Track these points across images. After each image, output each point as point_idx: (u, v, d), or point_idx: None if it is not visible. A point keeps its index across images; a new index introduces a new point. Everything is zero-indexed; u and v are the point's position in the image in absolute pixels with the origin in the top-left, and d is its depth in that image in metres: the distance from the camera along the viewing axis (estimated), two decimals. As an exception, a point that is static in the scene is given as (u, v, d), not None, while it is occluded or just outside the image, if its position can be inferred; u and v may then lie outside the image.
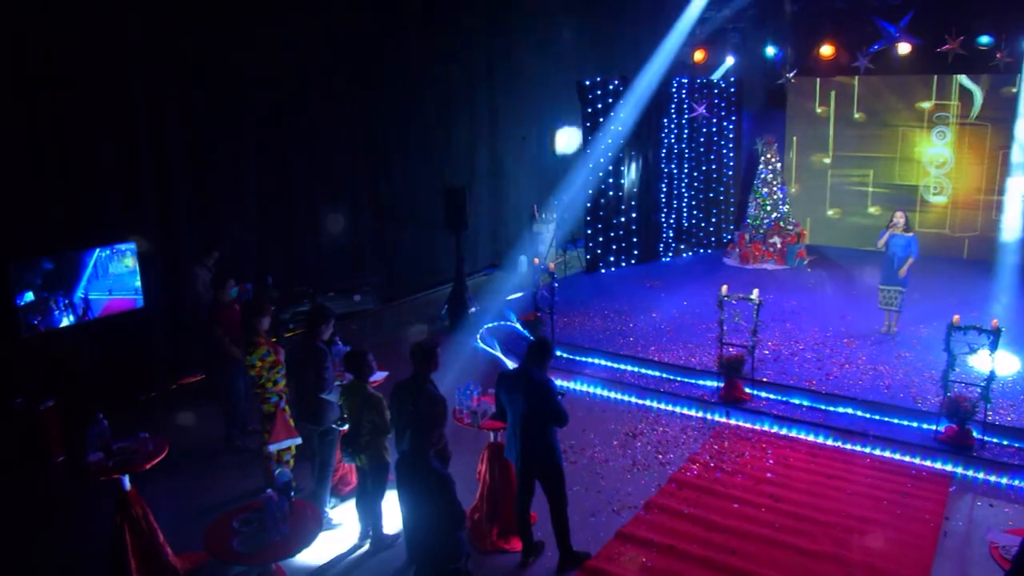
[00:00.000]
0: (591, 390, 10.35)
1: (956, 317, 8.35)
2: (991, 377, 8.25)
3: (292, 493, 5.84)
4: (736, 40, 15.96)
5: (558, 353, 11.04)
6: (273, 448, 7.27)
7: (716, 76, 16.08)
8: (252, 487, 7.77)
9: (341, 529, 7.24)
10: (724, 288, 9.51)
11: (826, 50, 14.86)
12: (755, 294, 9.33)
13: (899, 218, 10.86)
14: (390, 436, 6.39)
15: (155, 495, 6.89)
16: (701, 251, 16.36)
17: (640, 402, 9.96)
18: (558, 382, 10.39)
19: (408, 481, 5.23)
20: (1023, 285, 13.25)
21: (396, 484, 5.72)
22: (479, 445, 7.39)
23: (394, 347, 10.47)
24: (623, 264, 15.38)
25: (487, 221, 15.35)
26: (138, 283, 9.37)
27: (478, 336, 12.15)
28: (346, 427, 6.64)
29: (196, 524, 6.65)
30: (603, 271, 15.16)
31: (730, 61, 16.05)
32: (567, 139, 16.14)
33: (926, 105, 15.24)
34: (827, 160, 16.41)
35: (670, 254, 16.00)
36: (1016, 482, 7.99)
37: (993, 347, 8.15)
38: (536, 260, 11.27)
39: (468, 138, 14.83)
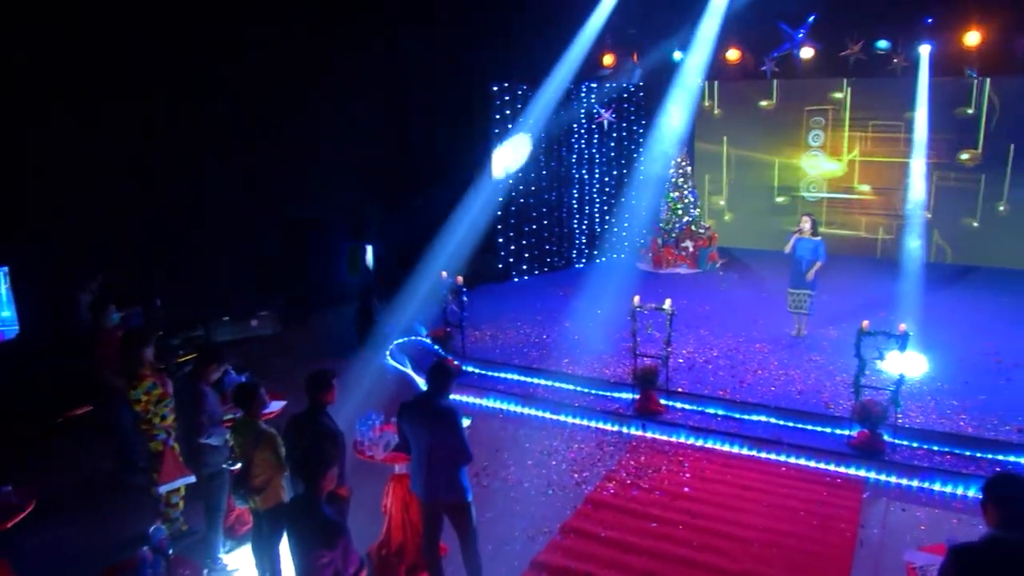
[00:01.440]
0: (504, 407, 10.04)
1: (865, 323, 8.36)
2: (900, 381, 8.29)
3: (170, 552, 5.33)
4: (644, 45, 15.91)
5: (469, 369, 10.72)
6: (163, 490, 6.72)
7: (627, 81, 15.98)
8: (142, 531, 7.16)
9: None
10: (636, 299, 9.34)
11: (732, 55, 14.94)
12: (667, 304, 9.18)
13: (805, 222, 10.91)
14: (287, 474, 5.94)
15: (28, 547, 6.27)
16: (615, 256, 16.25)
17: (555, 417, 9.71)
18: (470, 400, 10.16)
19: (295, 529, 4.79)
20: (931, 284, 13.54)
21: (286, 529, 5.27)
22: (385, 475, 6.98)
23: (299, 371, 9.94)
24: (536, 272, 15.15)
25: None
26: (7, 313, 8.61)
27: (387, 353, 11.70)
28: (237, 467, 6.15)
29: (72, 580, 6.07)
30: (516, 280, 14.89)
31: (637, 64, 16.01)
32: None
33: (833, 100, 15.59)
34: (734, 160, 16.56)
35: (583, 260, 15.85)
36: (927, 484, 8.03)
37: (902, 351, 8.18)
38: (443, 273, 10.89)
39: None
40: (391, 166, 14.34)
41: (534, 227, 14.96)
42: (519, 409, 9.94)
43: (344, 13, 12.55)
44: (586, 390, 10.01)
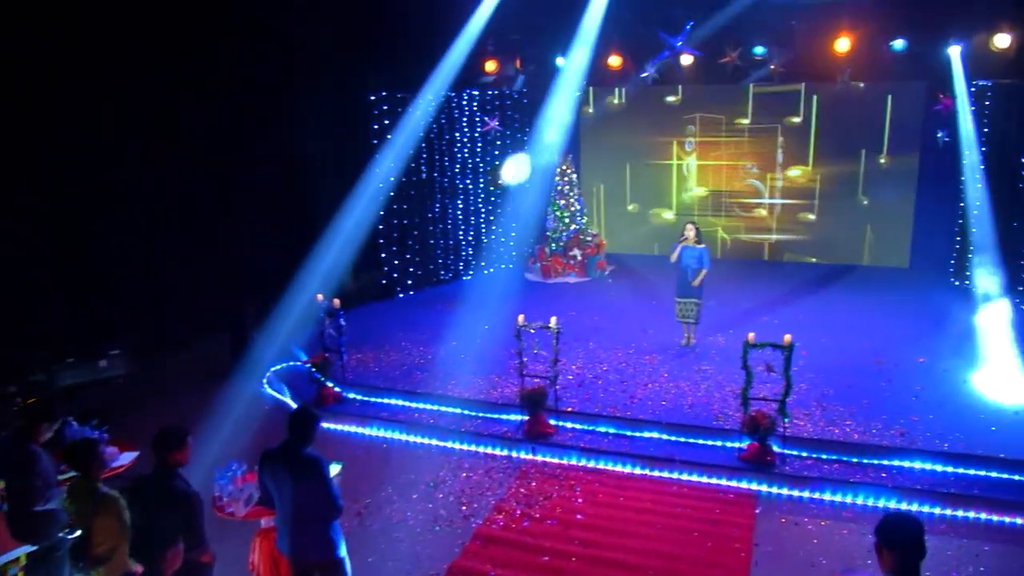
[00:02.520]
0: (389, 435, 9.50)
1: (751, 335, 8.25)
2: (787, 392, 8.22)
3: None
4: (527, 51, 15.64)
5: (351, 396, 10.15)
6: (-2, 562, 5.91)
7: (509, 88, 15.68)
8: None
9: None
10: (520, 317, 8.97)
11: (614, 60, 14.85)
12: (553, 322, 8.85)
13: (689, 230, 10.82)
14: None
15: None
16: (503, 267, 15.90)
17: (442, 444, 9.24)
18: (352, 429, 9.59)
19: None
20: (811, 285, 13.78)
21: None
22: (251, 529, 6.37)
23: (158, 412, 9.17)
24: (423, 286, 14.63)
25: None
26: None
27: (264, 381, 10.97)
28: (76, 535, 5.42)
29: None
30: (402, 295, 14.33)
31: (520, 71, 15.75)
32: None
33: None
34: (621, 166, 16.52)
35: (471, 272, 15.43)
36: (817, 494, 7.99)
37: (787, 362, 8.11)
38: (319, 296, 10.25)
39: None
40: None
41: (419, 240, 14.44)
42: (404, 437, 9.43)
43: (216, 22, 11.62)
44: (473, 413, 9.59)
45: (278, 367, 11.16)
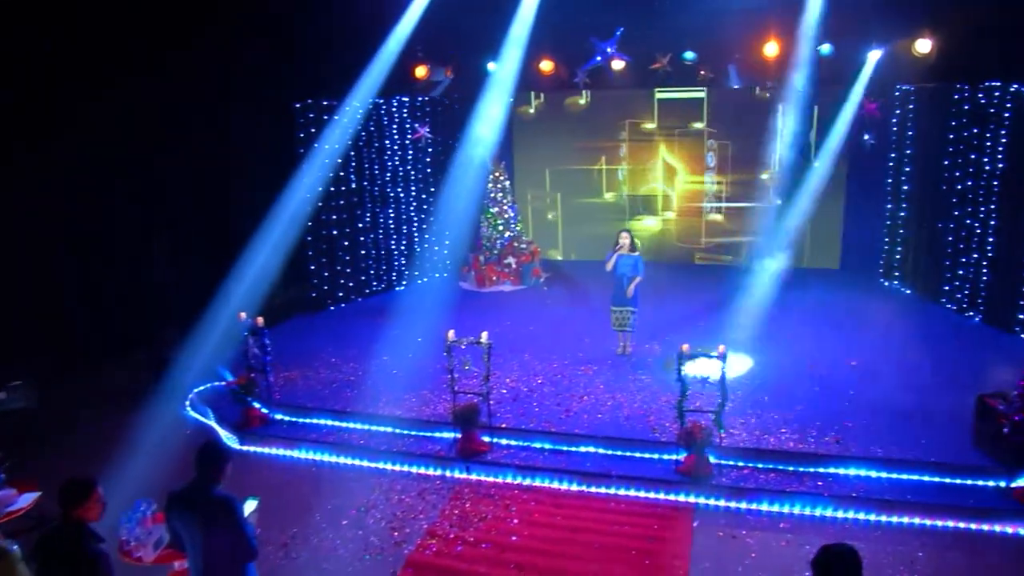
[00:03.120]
0: (318, 457, 9.14)
1: (685, 346, 8.14)
2: (723, 402, 8.14)
3: None
4: (458, 56, 15.37)
5: (278, 418, 9.76)
6: None
7: (438, 93, 15.38)
8: None
9: None
10: (451, 333, 8.70)
11: (545, 66, 14.69)
12: (484, 337, 8.61)
13: (624, 238, 10.70)
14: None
15: None
16: (437, 276, 15.59)
17: (374, 466, 8.92)
18: (279, 452, 9.20)
19: None
20: (744, 289, 13.79)
21: None
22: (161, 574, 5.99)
23: (63, 448, 8.67)
24: (354, 298, 14.24)
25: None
26: None
27: (187, 404, 10.48)
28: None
29: None
30: (332, 308, 13.91)
31: (449, 77, 15.49)
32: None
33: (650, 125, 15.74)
34: (557, 171, 16.38)
35: (404, 282, 15.08)
36: (754, 505, 7.92)
37: (723, 372, 8.03)
38: (242, 314, 9.83)
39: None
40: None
41: (349, 251, 14.05)
42: (334, 459, 9.08)
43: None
44: (406, 432, 9.29)
45: (201, 389, 10.68)
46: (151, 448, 8.56)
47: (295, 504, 8.08)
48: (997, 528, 7.50)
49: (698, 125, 15.58)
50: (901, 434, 8.66)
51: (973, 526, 7.53)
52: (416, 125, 14.57)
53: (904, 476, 8.08)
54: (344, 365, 11.16)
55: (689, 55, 14.18)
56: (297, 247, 13.32)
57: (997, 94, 11.67)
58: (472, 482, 8.51)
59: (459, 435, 8.80)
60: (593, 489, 8.26)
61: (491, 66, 15.26)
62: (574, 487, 8.31)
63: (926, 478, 8.07)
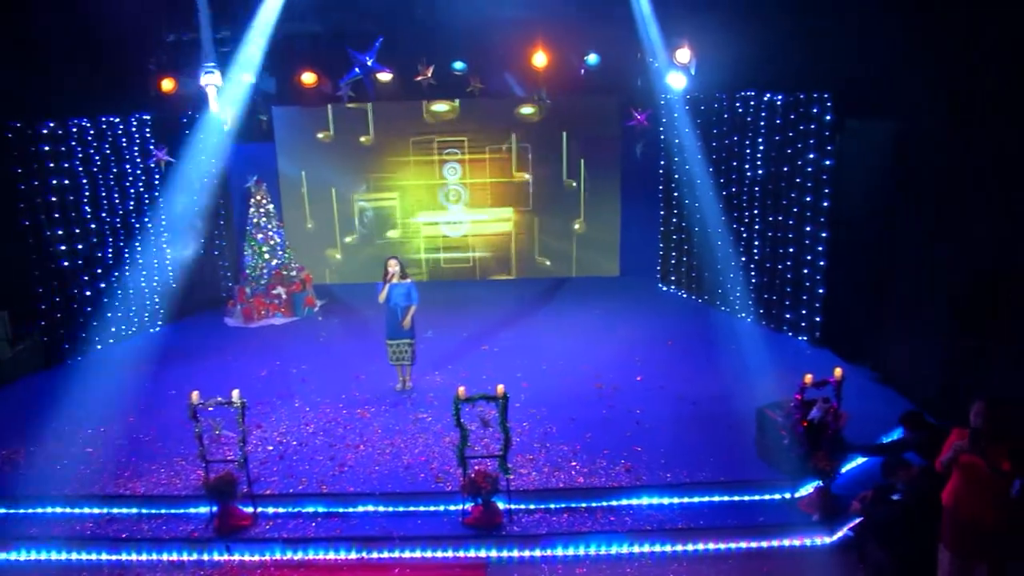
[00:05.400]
0: (45, 556, 7.56)
1: (461, 389, 7.45)
2: (506, 446, 7.54)
3: None
4: (212, 67, 13.82)
5: (-11, 511, 8.05)
6: None
7: (191, 109, 13.76)
8: None
9: None
10: (195, 395, 7.45)
11: (307, 78, 13.56)
12: (235, 396, 7.46)
13: (392, 266, 9.87)
14: None
15: None
16: (199, 313, 14.00)
17: (113, 558, 7.51)
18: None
19: None
20: (534, 299, 13.47)
21: None
22: None
23: None
24: (98, 346, 12.37)
25: None
26: None
27: None
28: None
29: None
30: (70, 361, 11.96)
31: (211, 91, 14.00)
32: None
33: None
34: (335, 192, 15.26)
35: (159, 323, 13.36)
36: (548, 551, 7.41)
37: (503, 414, 7.43)
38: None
39: None
40: None
41: (87, 292, 12.19)
42: (63, 556, 7.55)
43: None
44: (154, 511, 7.94)
45: None
46: None
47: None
48: (786, 543, 7.45)
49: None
50: (689, 453, 8.50)
51: (765, 544, 7.45)
52: (152, 148, 12.86)
53: (696, 499, 7.88)
54: (79, 433, 9.40)
55: (459, 65, 13.69)
56: (23, 292, 11.42)
57: (752, 103, 12.01)
58: (234, 564, 7.36)
59: (215, 509, 7.60)
60: (375, 555, 7.39)
61: (245, 78, 13.96)
62: (352, 555, 7.39)
63: (716, 498, 7.91)
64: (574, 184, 15.27)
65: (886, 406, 9.18)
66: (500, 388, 7.37)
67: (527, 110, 14.85)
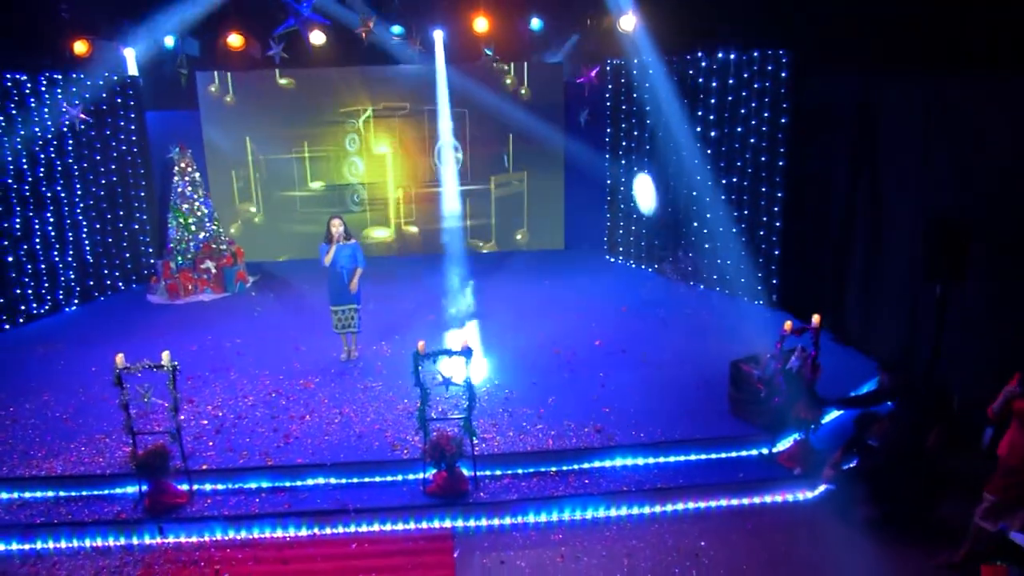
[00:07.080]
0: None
1: (421, 343, 6.81)
2: (471, 404, 6.94)
3: None
4: (128, 26, 12.79)
5: None
6: None
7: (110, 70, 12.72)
8: None
9: None
10: (120, 358, 6.62)
11: (235, 40, 12.67)
12: (166, 358, 6.66)
13: (337, 226, 9.14)
14: None
15: None
16: (120, 289, 12.96)
17: (26, 547, 6.63)
18: None
19: None
20: (481, 273, 12.86)
21: None
22: None
23: None
24: (6, 327, 11.28)
25: None
26: None
27: None
28: None
29: None
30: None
31: (130, 53, 13.02)
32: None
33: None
34: (252, 162, 14.32)
35: (76, 301, 12.29)
36: (519, 518, 6.87)
37: (467, 365, 6.83)
38: None
39: None
40: None
41: (-7, 267, 11.10)
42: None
43: None
44: (73, 493, 7.08)
45: None
46: None
47: None
48: (768, 499, 7.09)
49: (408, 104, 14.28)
50: (660, 413, 8.06)
51: (746, 501, 7.09)
52: (70, 108, 11.80)
53: (672, 458, 7.44)
54: (-8, 417, 8.46)
55: (397, 28, 13.04)
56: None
57: (704, 64, 11.65)
58: (169, 546, 6.58)
59: (145, 488, 6.79)
60: (328, 531, 6.71)
61: (168, 40, 13.02)
62: (303, 532, 6.70)
63: (692, 457, 7.49)
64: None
65: (848, 365, 9.03)
66: (464, 341, 6.76)
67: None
